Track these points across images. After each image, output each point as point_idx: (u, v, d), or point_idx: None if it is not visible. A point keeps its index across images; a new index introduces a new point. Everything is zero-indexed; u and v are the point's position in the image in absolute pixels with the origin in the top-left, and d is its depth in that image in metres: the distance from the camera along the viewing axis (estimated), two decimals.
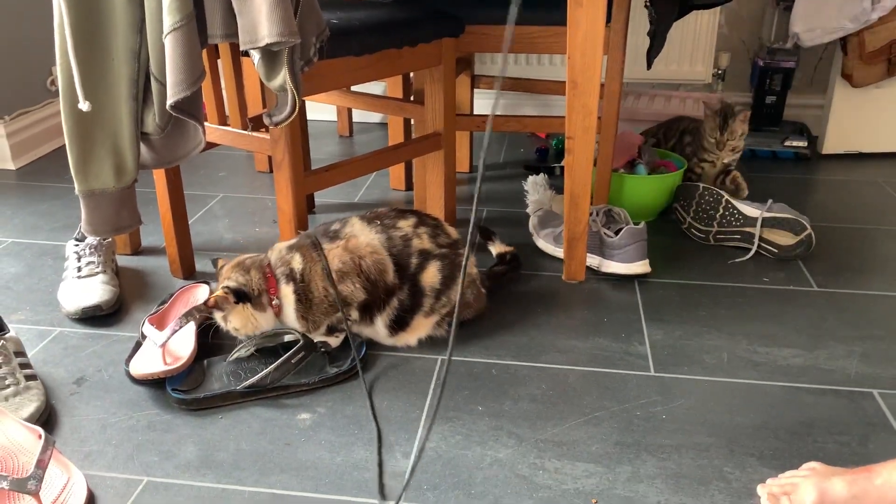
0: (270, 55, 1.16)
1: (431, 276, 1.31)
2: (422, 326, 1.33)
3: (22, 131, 2.24)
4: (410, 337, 1.33)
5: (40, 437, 1.02)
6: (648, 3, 1.54)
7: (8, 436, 1.06)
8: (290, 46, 1.14)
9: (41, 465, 0.98)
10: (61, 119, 1.27)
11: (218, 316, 1.28)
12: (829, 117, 2.27)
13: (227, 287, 1.25)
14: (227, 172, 2.20)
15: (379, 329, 1.32)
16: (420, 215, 1.37)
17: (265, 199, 2.00)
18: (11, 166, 2.21)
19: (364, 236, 1.30)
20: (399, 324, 1.32)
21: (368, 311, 1.30)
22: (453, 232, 1.39)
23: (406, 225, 1.33)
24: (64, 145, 2.37)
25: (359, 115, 2.69)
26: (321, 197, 2.02)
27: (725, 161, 1.90)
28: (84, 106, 1.21)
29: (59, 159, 2.28)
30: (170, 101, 1.17)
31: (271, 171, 2.20)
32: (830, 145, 2.31)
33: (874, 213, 1.92)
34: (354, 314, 1.29)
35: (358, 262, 1.27)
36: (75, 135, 1.27)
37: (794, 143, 2.27)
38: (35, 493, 0.96)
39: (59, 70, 1.24)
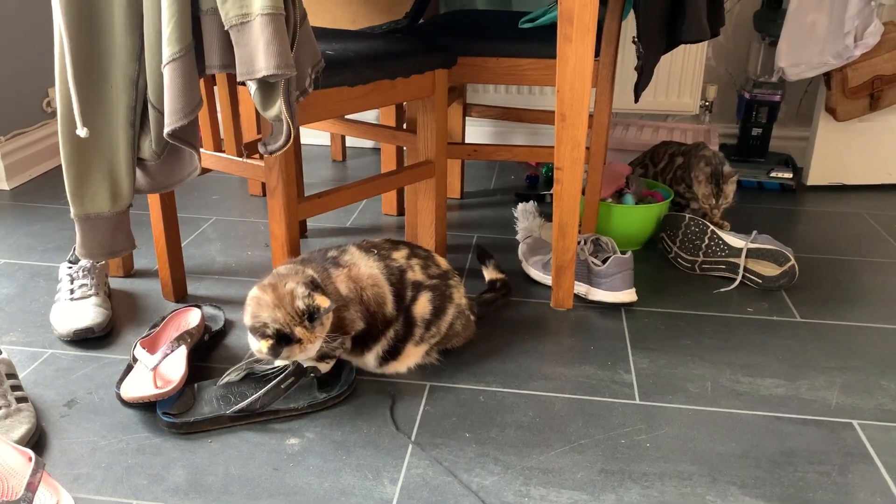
0: (266, 86, 1.19)
1: (422, 306, 1.33)
2: (412, 355, 1.35)
3: (17, 152, 2.26)
4: (400, 366, 1.35)
5: (30, 459, 1.03)
6: (636, 39, 1.58)
7: None
8: (286, 78, 1.16)
9: (31, 487, 0.98)
10: (59, 143, 1.29)
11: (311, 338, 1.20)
12: (814, 150, 2.32)
13: (312, 287, 1.20)
14: (220, 196, 2.22)
15: (368, 360, 1.34)
16: (411, 247, 1.39)
17: (258, 223, 2.02)
18: (6, 186, 2.22)
19: (364, 266, 1.32)
20: (391, 353, 1.33)
21: (364, 341, 1.32)
22: (444, 263, 1.41)
23: (400, 256, 1.35)
24: (58, 166, 2.40)
25: (352, 140, 2.72)
26: (313, 221, 2.05)
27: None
28: (82, 132, 1.24)
29: (54, 180, 2.30)
30: (167, 129, 1.19)
31: (264, 195, 2.22)
32: (815, 177, 2.35)
33: (857, 244, 1.95)
34: (348, 343, 1.31)
35: (359, 292, 1.29)
36: (72, 160, 1.29)
37: (780, 175, 2.32)
38: None
39: (58, 96, 1.26)
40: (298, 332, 1.19)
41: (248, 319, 1.22)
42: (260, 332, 1.19)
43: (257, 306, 1.21)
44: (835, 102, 2.19)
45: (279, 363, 1.30)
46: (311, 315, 1.19)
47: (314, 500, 1.06)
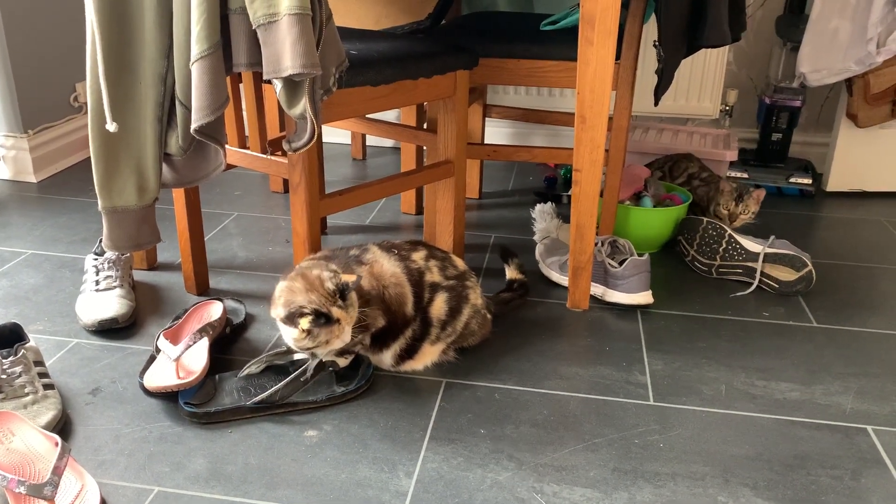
0: (292, 84, 1.21)
1: (439, 307, 1.35)
2: (428, 354, 1.37)
3: (44, 146, 2.31)
4: (417, 364, 1.37)
5: (57, 444, 1.06)
6: (657, 42, 1.59)
7: (26, 442, 1.10)
8: (312, 76, 1.19)
9: (57, 471, 1.01)
10: (88, 137, 1.32)
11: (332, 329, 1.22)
12: (834, 156, 2.31)
13: (347, 282, 1.23)
14: (242, 192, 2.25)
15: (385, 358, 1.36)
16: (430, 248, 1.41)
17: (279, 219, 2.05)
18: (33, 179, 2.26)
19: (387, 264, 1.34)
20: (408, 352, 1.36)
21: (382, 339, 1.34)
22: (461, 264, 1.43)
23: (418, 258, 1.37)
24: (84, 160, 2.45)
25: (372, 139, 2.74)
26: (333, 219, 2.07)
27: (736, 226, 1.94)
28: (111, 127, 1.27)
29: (80, 174, 2.34)
30: (194, 125, 1.22)
31: (285, 192, 2.25)
32: (835, 183, 2.35)
33: (876, 251, 1.95)
34: (367, 339, 1.33)
35: (381, 290, 1.31)
36: (101, 153, 1.32)
37: (799, 180, 2.31)
38: (51, 499, 1.00)
39: (88, 91, 1.29)
40: (335, 311, 1.21)
41: (281, 310, 1.23)
42: (298, 313, 1.20)
43: (290, 293, 1.23)
44: (856, 108, 2.19)
45: (298, 356, 1.32)
46: (342, 293, 1.22)
47: (331, 491, 1.09)
